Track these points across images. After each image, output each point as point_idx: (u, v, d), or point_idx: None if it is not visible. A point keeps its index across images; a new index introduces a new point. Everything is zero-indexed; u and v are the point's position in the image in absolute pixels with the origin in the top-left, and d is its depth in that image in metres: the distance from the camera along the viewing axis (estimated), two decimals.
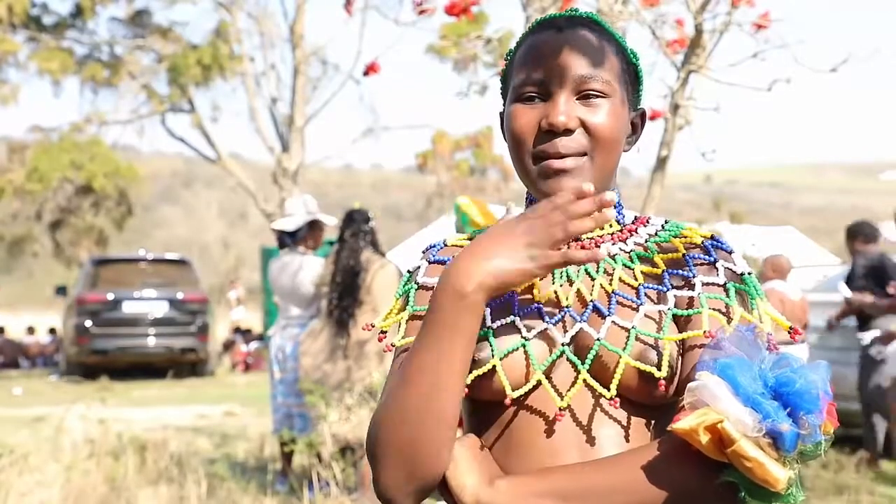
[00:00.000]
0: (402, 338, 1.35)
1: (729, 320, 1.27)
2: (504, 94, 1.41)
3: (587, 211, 1.18)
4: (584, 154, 1.31)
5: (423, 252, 1.45)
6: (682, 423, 1.13)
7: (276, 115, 16.23)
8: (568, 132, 1.30)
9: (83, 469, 5.92)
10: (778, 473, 1.10)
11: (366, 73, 4.93)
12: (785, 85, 3.96)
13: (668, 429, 1.16)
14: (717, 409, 1.11)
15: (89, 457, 6.29)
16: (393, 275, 5.59)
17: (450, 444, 1.22)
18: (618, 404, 1.24)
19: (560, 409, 1.25)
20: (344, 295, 5.54)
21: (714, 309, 1.29)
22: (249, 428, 8.71)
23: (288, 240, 6.32)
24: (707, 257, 1.34)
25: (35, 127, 20.69)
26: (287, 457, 6.27)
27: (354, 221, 5.70)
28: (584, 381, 1.27)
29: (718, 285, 1.31)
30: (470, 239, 1.44)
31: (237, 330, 18.00)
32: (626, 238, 1.40)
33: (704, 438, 1.11)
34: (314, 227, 6.25)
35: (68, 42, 18.59)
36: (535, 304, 1.33)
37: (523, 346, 1.28)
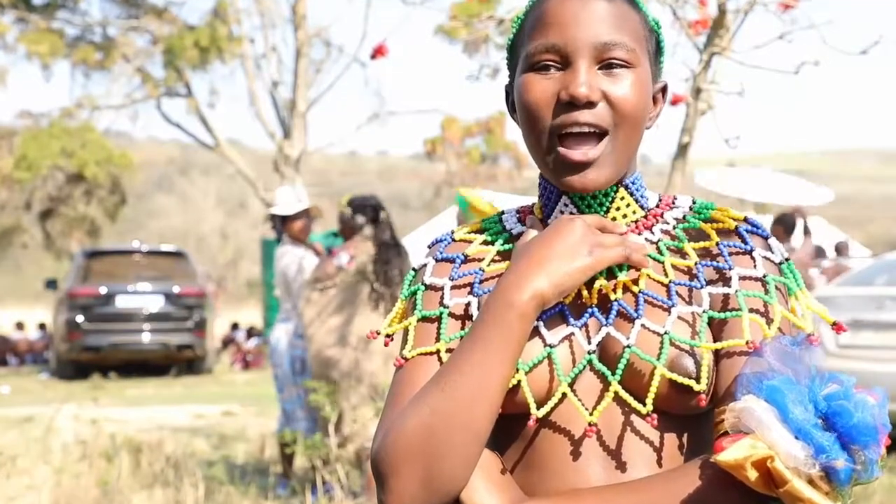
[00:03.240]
0: (412, 346, 1.28)
1: (769, 321, 1.21)
2: (511, 67, 1.34)
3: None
4: (607, 133, 1.23)
5: (430, 248, 1.39)
6: (728, 455, 1.08)
7: (277, 99, 16.50)
8: (590, 105, 1.22)
9: (74, 472, 5.97)
10: None
11: (373, 57, 4.91)
12: (813, 67, 3.96)
13: (712, 460, 1.11)
14: (765, 439, 1.08)
15: (81, 459, 6.40)
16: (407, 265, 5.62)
17: (476, 459, 1.19)
18: (655, 421, 1.19)
19: (590, 425, 1.20)
20: (389, 262, 5.47)
21: (753, 309, 1.22)
22: (249, 428, 8.65)
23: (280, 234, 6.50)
24: (743, 245, 1.27)
25: (24, 112, 20.82)
26: (288, 458, 6.26)
27: (375, 208, 5.73)
28: (616, 393, 1.22)
29: (756, 279, 1.25)
30: (479, 231, 1.39)
31: (236, 326, 18.22)
32: (652, 225, 1.32)
33: (753, 475, 1.08)
34: (286, 218, 6.33)
35: (59, 23, 18.73)
36: (559, 305, 1.26)
37: (549, 355, 1.24)
